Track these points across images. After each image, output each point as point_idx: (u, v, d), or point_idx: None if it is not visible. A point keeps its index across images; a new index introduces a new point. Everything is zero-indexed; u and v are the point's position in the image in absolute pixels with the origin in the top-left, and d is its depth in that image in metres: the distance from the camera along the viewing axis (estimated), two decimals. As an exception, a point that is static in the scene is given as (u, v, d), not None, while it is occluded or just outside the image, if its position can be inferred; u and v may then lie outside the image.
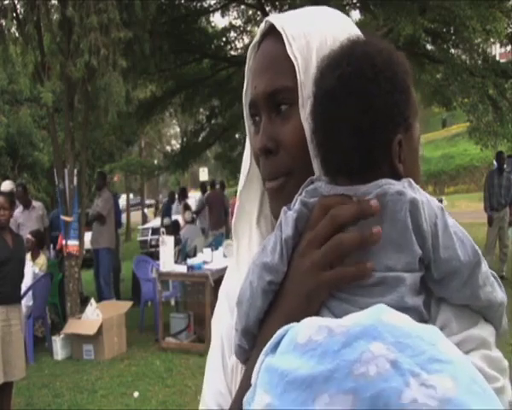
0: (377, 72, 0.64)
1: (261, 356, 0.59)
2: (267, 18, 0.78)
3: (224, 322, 0.85)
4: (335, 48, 0.70)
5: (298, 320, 0.62)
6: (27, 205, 7.95)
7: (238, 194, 0.87)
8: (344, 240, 0.62)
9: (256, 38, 0.80)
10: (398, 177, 0.66)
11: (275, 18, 0.77)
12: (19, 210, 7.91)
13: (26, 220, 7.79)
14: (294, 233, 0.67)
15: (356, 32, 0.78)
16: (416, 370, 0.50)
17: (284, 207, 0.70)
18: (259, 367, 0.59)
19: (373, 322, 0.53)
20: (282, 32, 0.74)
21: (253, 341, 0.70)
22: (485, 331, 0.65)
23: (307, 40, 0.74)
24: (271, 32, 0.77)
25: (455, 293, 0.64)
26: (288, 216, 0.68)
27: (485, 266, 0.65)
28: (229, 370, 0.82)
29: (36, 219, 7.93)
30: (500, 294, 0.66)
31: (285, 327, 0.60)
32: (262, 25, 0.79)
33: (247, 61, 0.82)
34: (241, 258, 0.84)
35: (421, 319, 0.61)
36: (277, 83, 0.74)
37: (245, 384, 0.67)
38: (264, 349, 0.60)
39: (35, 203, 8.21)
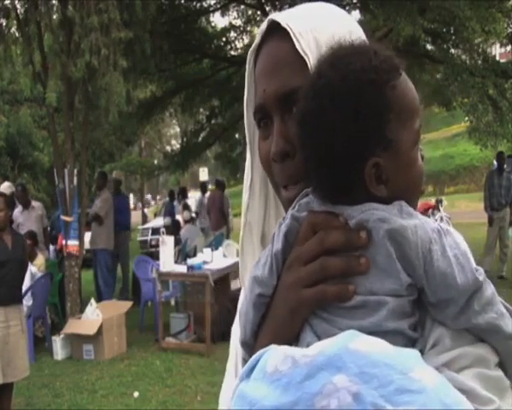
0: (336, 106, 0.62)
1: (237, 380, 0.59)
2: (269, 17, 0.75)
3: (238, 336, 0.86)
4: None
5: (283, 335, 0.63)
6: (27, 205, 7.92)
7: (243, 210, 0.84)
8: (330, 264, 0.62)
9: (256, 41, 0.76)
10: (380, 199, 0.63)
11: (277, 16, 0.74)
12: (18, 210, 7.91)
13: (25, 220, 7.76)
14: (285, 247, 0.66)
15: (356, 28, 0.77)
16: (379, 402, 0.48)
17: (280, 220, 0.70)
18: (234, 392, 0.59)
19: (338, 351, 0.52)
20: (288, 29, 0.71)
21: (251, 354, 0.69)
22: (482, 349, 0.60)
23: (314, 36, 0.71)
24: (273, 31, 0.74)
25: (449, 319, 0.61)
26: (281, 230, 0.68)
27: (488, 292, 0.61)
28: None
29: (35, 219, 7.91)
30: (511, 325, 0.61)
31: (261, 351, 0.60)
32: (263, 25, 0.76)
33: (247, 64, 0.79)
34: None
35: (408, 341, 0.60)
36: (291, 83, 0.71)
37: None
38: (240, 374, 0.60)
39: (34, 203, 8.18)
